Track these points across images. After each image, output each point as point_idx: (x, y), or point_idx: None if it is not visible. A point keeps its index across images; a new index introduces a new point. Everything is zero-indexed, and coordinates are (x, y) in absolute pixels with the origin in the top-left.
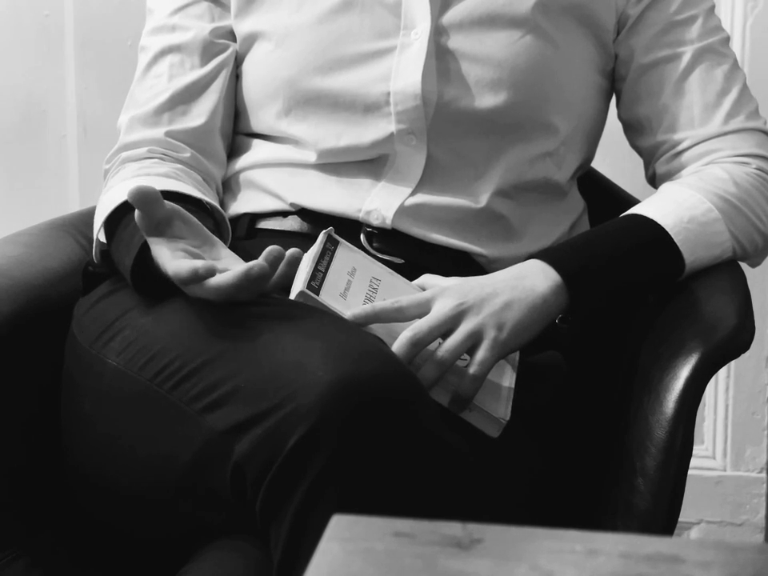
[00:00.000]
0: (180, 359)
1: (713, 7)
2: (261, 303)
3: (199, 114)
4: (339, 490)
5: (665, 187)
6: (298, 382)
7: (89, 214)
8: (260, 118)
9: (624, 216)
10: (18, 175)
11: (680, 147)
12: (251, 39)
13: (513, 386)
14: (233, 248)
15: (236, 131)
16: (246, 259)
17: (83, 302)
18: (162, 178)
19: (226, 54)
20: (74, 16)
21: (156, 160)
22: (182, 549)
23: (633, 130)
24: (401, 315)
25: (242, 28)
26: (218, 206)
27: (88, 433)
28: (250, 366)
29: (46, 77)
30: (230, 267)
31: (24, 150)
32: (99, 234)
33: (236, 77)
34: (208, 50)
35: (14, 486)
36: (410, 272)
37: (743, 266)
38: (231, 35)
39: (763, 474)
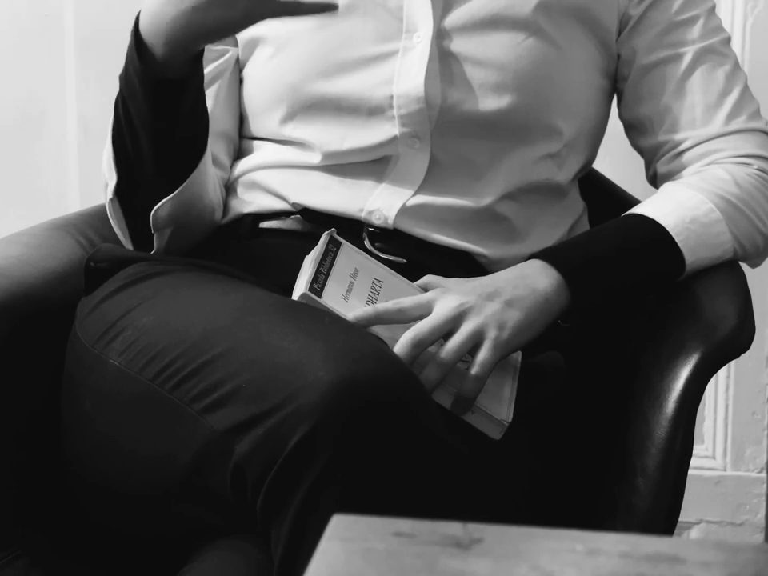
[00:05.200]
0: (181, 359)
1: (714, 7)
2: (262, 304)
3: None
4: (340, 490)
5: (666, 187)
6: (299, 383)
7: (89, 214)
8: (263, 123)
9: (625, 216)
10: (18, 175)
11: (681, 147)
12: (253, 44)
13: (515, 387)
14: (235, 247)
15: (239, 135)
16: (249, 259)
17: (86, 302)
18: None
19: (223, 60)
20: (74, 16)
21: None
22: (182, 549)
23: (634, 130)
24: (402, 316)
25: (243, 33)
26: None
27: (88, 433)
28: (251, 366)
29: (46, 77)
30: None
31: (24, 149)
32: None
33: (239, 81)
34: (204, 58)
35: (15, 486)
36: (412, 272)
37: (743, 266)
38: (231, 39)
39: (763, 474)
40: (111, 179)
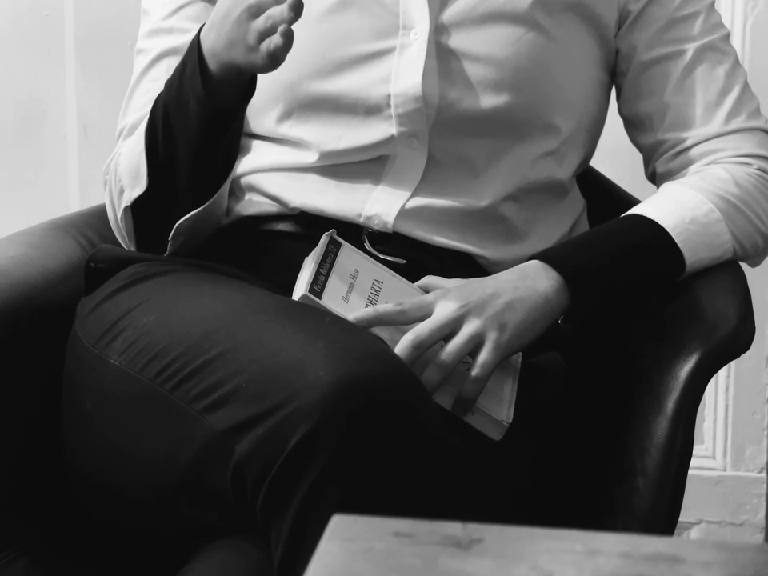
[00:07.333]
0: (181, 359)
1: (713, 3)
2: (262, 304)
3: None
4: (340, 490)
5: (666, 187)
6: (299, 382)
7: (89, 214)
8: (260, 121)
9: (625, 216)
10: (18, 175)
11: (681, 146)
12: None
13: (515, 388)
14: (236, 248)
15: None
16: (249, 260)
17: (86, 302)
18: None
19: None
20: (74, 16)
21: None
22: (182, 549)
23: (633, 126)
24: (403, 318)
25: None
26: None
27: (89, 432)
28: (252, 365)
29: (46, 77)
30: None
31: (24, 150)
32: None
33: None
34: None
35: (15, 486)
36: (412, 273)
37: (743, 266)
38: None
39: (763, 474)
40: (134, 188)
